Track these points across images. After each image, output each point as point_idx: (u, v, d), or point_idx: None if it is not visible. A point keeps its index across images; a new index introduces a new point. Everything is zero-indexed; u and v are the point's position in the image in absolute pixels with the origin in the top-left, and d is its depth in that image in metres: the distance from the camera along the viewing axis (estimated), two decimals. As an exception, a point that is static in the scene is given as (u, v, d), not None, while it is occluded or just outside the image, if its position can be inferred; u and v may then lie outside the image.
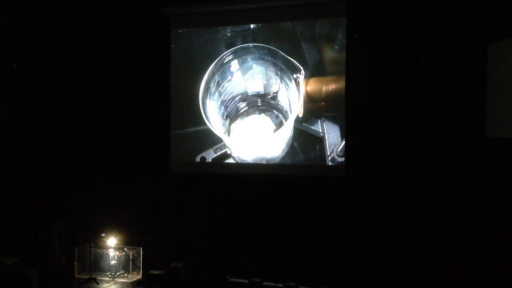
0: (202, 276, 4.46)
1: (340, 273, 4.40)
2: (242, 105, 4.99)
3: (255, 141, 4.97)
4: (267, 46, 4.90)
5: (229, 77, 5.02)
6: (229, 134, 5.05)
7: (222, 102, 5.05)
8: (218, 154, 5.10)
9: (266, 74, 4.91)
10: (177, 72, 5.24)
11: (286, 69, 4.83)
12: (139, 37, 5.32)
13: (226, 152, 5.10)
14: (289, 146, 4.88)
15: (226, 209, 5.00)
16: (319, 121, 4.79)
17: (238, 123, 5.01)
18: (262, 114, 4.94)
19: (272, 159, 4.96)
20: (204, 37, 5.14)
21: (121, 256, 4.50)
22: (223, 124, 5.06)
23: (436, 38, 4.43)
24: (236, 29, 5.04)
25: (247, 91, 4.97)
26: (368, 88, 4.66)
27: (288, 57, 4.82)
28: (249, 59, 4.96)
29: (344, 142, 4.71)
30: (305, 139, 4.84)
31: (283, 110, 4.87)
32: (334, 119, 4.74)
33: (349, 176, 4.70)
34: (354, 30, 4.69)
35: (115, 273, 4.48)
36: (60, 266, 4.64)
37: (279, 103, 4.88)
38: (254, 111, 4.96)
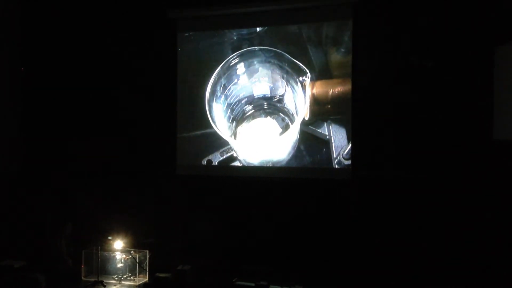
0: (209, 279, 4.45)
1: (346, 276, 4.39)
2: (248, 108, 4.99)
3: (261, 144, 4.97)
4: (273, 49, 4.91)
5: (235, 80, 5.03)
6: (235, 137, 5.05)
7: (228, 105, 5.06)
8: (224, 157, 5.11)
9: (272, 77, 4.91)
10: (183, 75, 5.26)
11: (292, 72, 4.84)
12: (145, 40, 5.35)
13: (232, 155, 5.10)
14: (295, 149, 4.88)
15: (232, 212, 5.00)
16: (325, 124, 4.78)
17: (244, 126, 5.01)
18: (268, 117, 4.94)
19: (278, 162, 4.95)
20: (210, 40, 5.15)
21: (127, 259, 4.51)
22: (229, 127, 5.06)
23: (443, 40, 4.42)
24: (242, 32, 5.05)
25: (253, 94, 4.97)
26: (374, 91, 4.65)
27: (294, 60, 4.82)
28: (255, 62, 4.97)
29: (350, 145, 4.70)
30: (311, 142, 4.83)
31: (289, 113, 4.87)
32: (340, 122, 4.74)
33: (356, 178, 4.69)
34: (360, 32, 4.68)
35: (122, 276, 4.50)
36: (67, 269, 4.66)
37: (285, 106, 4.88)
38: (260, 114, 4.97)
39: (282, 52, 4.87)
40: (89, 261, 4.53)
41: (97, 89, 5.51)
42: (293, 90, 4.85)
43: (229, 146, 5.10)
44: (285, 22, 4.93)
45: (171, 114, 5.28)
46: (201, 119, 5.13)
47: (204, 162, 5.17)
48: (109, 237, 4.57)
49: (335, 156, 4.76)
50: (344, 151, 4.73)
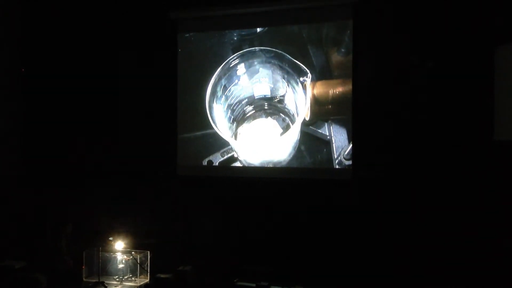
0: (209, 280, 4.46)
1: (346, 276, 4.39)
2: (249, 108, 4.99)
3: (262, 145, 4.97)
4: (274, 49, 4.91)
5: (236, 81, 5.03)
6: (236, 138, 5.05)
7: (229, 105, 5.06)
8: (225, 157, 5.11)
9: (272, 77, 4.91)
10: (184, 76, 5.26)
11: (292, 73, 4.84)
12: (145, 41, 5.35)
13: (233, 155, 5.10)
14: (296, 149, 4.88)
15: (233, 212, 5.00)
16: (326, 124, 4.79)
17: (245, 127, 5.01)
18: (269, 117, 4.94)
19: (279, 162, 4.95)
20: (210, 41, 5.15)
21: (128, 259, 4.51)
22: (230, 127, 5.06)
23: (443, 40, 4.42)
24: (243, 33, 5.05)
25: (253, 95, 4.97)
26: (375, 91, 4.65)
27: (295, 61, 4.82)
28: (255, 63, 4.97)
29: (351, 145, 4.70)
30: (312, 142, 4.84)
31: (290, 113, 4.87)
32: (341, 122, 4.74)
33: (356, 179, 4.69)
34: (360, 32, 4.68)
35: (123, 276, 4.50)
36: (68, 270, 4.66)
37: (286, 106, 4.88)
38: (261, 115, 4.97)
39: (283, 53, 4.87)
40: (90, 261, 4.53)
41: (97, 90, 5.51)
42: (294, 91, 4.85)
43: (229, 147, 5.10)
44: (285, 23, 4.93)
45: (171, 115, 5.28)
46: (202, 120, 5.13)
47: (204, 162, 5.17)
48: (110, 238, 4.57)
49: (335, 157, 4.77)
50: (345, 152, 4.73)
